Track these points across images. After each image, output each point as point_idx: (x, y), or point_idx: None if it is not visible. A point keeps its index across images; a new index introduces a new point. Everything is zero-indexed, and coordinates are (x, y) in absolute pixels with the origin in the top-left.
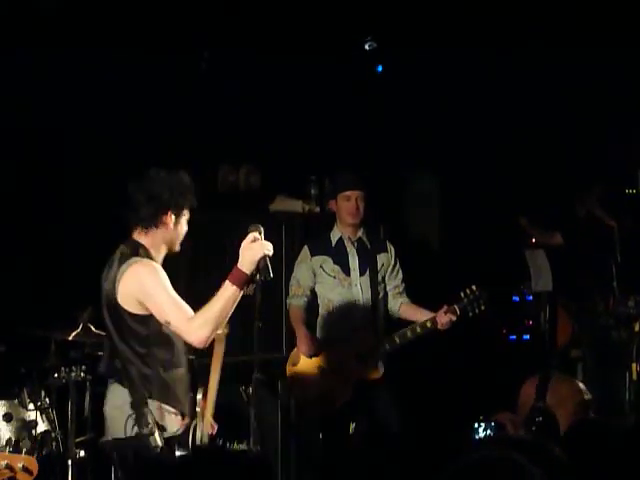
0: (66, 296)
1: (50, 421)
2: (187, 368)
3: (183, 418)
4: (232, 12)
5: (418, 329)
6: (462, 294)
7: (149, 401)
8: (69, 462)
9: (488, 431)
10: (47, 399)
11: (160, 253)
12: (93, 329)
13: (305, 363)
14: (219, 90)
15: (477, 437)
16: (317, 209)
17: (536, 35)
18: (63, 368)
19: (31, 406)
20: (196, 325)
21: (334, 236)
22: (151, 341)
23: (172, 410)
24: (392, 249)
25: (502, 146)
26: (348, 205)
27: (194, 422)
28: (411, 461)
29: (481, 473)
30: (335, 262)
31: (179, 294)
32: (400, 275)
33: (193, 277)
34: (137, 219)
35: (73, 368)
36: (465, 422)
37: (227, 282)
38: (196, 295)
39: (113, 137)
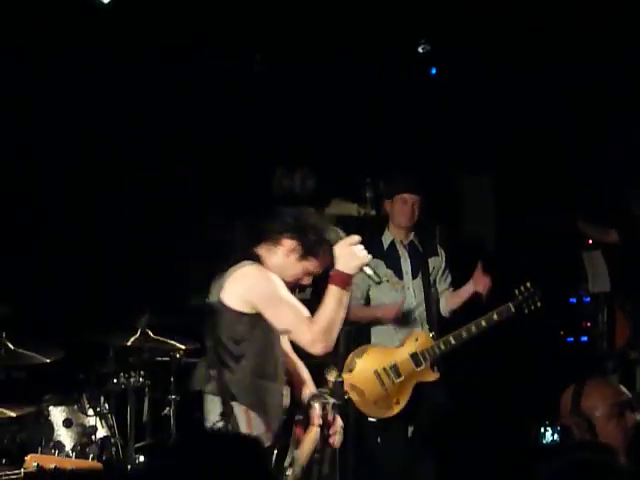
0: (124, 302)
1: (109, 427)
2: (282, 386)
3: (270, 430)
4: (286, 14)
5: (473, 328)
6: (516, 291)
7: (234, 404)
8: (129, 468)
9: (555, 435)
10: (106, 405)
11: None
12: (151, 334)
13: (361, 368)
14: (273, 93)
15: (545, 442)
16: (372, 212)
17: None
18: (122, 374)
19: (90, 412)
20: (318, 333)
21: (386, 239)
22: (248, 344)
23: (259, 418)
24: (443, 253)
25: (558, 146)
26: (405, 208)
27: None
28: (472, 466)
29: (576, 475)
30: (388, 266)
31: None
32: (449, 279)
33: None
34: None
35: (132, 374)
36: (529, 426)
37: (332, 286)
38: None
39: (167, 144)
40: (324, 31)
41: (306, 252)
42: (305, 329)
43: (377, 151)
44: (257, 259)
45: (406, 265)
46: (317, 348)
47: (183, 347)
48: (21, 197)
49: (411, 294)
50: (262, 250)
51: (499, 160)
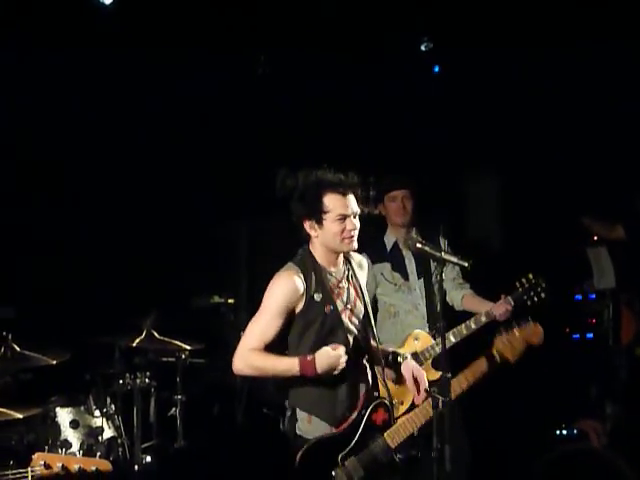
0: (130, 303)
1: (116, 427)
2: (352, 384)
3: (338, 426)
4: (289, 14)
5: (473, 324)
6: (517, 283)
7: (297, 410)
8: (135, 468)
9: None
10: (112, 405)
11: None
12: (157, 335)
13: None
14: (276, 93)
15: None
16: (376, 211)
17: (601, 31)
18: (128, 375)
19: (97, 413)
20: (245, 358)
21: (389, 241)
22: (292, 351)
23: (318, 420)
24: (445, 242)
25: (563, 143)
26: (394, 205)
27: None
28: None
29: (565, 466)
30: (394, 269)
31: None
32: (457, 267)
33: (251, 282)
34: None
35: (138, 374)
36: (538, 424)
37: (298, 366)
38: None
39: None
40: (327, 30)
41: (316, 214)
42: (241, 343)
43: (380, 150)
44: (304, 253)
45: (411, 265)
46: (234, 363)
47: (189, 348)
48: (24, 198)
49: (418, 295)
50: (309, 242)
51: (504, 157)
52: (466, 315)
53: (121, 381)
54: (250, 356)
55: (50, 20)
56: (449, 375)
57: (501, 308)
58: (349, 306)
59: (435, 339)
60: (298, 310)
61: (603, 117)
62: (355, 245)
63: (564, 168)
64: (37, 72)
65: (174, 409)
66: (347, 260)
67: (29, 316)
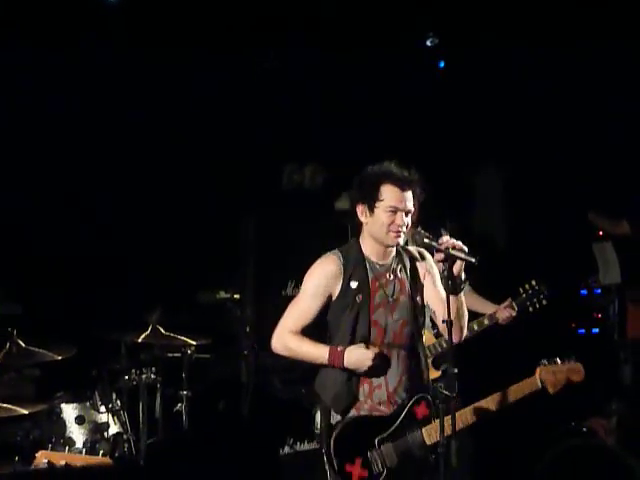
0: (136, 298)
1: (122, 423)
2: (377, 381)
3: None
4: (294, 10)
5: (476, 327)
6: (521, 289)
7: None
8: (141, 463)
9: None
10: (118, 401)
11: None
12: (162, 331)
13: None
14: (283, 88)
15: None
16: None
17: (602, 28)
18: (133, 370)
19: (103, 408)
20: (282, 338)
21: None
22: (330, 333)
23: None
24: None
25: (569, 138)
26: None
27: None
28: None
29: (572, 460)
30: None
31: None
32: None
33: (258, 278)
34: None
35: (143, 370)
36: (544, 420)
37: (328, 355)
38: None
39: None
40: (333, 26)
41: (370, 200)
42: (280, 323)
43: (387, 145)
44: (352, 242)
45: None
46: (273, 342)
47: (194, 343)
48: (28, 195)
49: None
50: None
51: (510, 152)
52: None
53: (127, 377)
54: (287, 337)
55: (45, 18)
56: (455, 370)
57: (505, 313)
58: (390, 300)
59: (437, 338)
60: (335, 295)
61: (610, 113)
62: (401, 241)
63: (570, 163)
64: (36, 70)
65: (180, 405)
66: (399, 254)
67: (35, 312)
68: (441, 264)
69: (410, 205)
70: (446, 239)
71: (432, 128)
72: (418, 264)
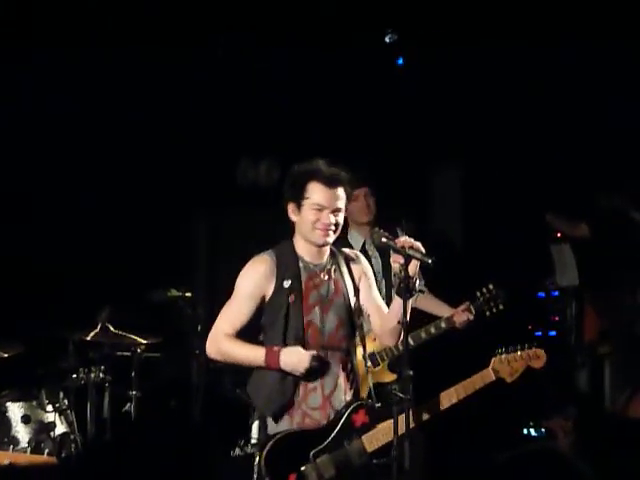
0: (84, 296)
1: (69, 423)
2: (312, 385)
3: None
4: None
5: (433, 330)
6: (478, 293)
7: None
8: (87, 463)
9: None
10: (65, 400)
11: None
12: (112, 329)
13: None
14: (237, 79)
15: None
16: None
17: (560, 28)
18: (82, 369)
19: (49, 408)
20: (216, 342)
21: (355, 241)
22: (264, 334)
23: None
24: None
25: (528, 137)
26: (357, 205)
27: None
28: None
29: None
30: None
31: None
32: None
33: (210, 275)
34: None
35: (92, 369)
36: (508, 426)
37: (264, 356)
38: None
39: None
40: (293, 19)
41: (296, 198)
42: (214, 327)
43: (342, 142)
44: (285, 242)
45: (377, 266)
46: (207, 346)
47: (144, 342)
48: None
49: (382, 296)
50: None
51: (467, 151)
52: (422, 314)
53: (75, 376)
54: (221, 341)
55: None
56: (410, 373)
57: (462, 316)
58: (325, 300)
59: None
60: (268, 295)
61: (570, 113)
62: (329, 240)
63: (529, 163)
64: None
65: (128, 405)
66: (334, 255)
67: None
68: (397, 265)
69: (339, 204)
70: (403, 239)
71: (390, 126)
72: (353, 265)
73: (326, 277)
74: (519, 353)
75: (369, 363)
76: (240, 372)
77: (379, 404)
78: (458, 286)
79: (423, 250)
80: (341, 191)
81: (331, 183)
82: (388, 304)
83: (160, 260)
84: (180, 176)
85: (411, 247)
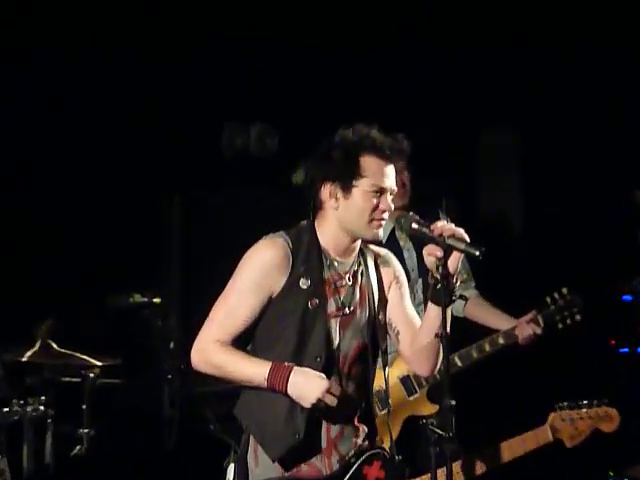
0: (20, 305)
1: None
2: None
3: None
4: None
5: (487, 347)
6: (548, 299)
7: (251, 442)
8: None
9: None
10: None
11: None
12: (55, 347)
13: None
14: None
15: None
16: None
17: None
18: (15, 400)
19: None
20: (205, 351)
21: (383, 228)
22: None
23: (266, 457)
24: (448, 220)
25: (605, 90)
26: None
27: None
28: None
29: None
30: None
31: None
32: (467, 264)
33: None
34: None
35: (29, 400)
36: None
37: (268, 373)
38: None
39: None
40: None
41: (346, 176)
42: (202, 331)
43: (366, 100)
44: (304, 226)
45: (411, 259)
46: (192, 356)
47: (99, 364)
48: None
49: (419, 297)
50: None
51: (524, 109)
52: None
53: (7, 409)
54: (211, 349)
55: None
56: (453, 403)
57: (528, 330)
58: (346, 311)
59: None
60: (276, 293)
61: None
62: (382, 234)
63: (610, 128)
64: None
65: (79, 447)
66: (362, 252)
67: None
68: (432, 259)
69: (394, 184)
70: (441, 224)
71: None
72: (384, 269)
73: (350, 281)
74: (585, 410)
75: (404, 392)
76: (228, 399)
77: (400, 457)
78: (515, 287)
79: (467, 238)
80: (394, 168)
81: (390, 157)
82: None
83: (120, 256)
84: (148, 146)
85: (452, 235)
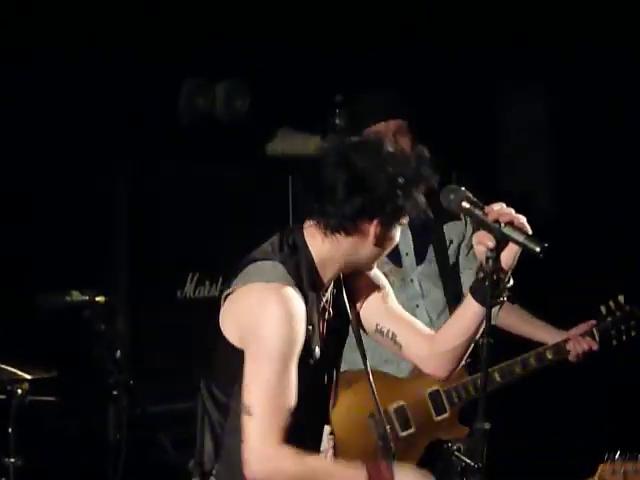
0: None
1: None
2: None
3: None
4: None
5: (534, 362)
6: (603, 309)
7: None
8: None
9: None
10: None
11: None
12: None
13: (346, 408)
14: None
15: None
16: None
17: None
18: None
19: None
20: (275, 459)
21: None
22: (236, 389)
23: None
24: None
25: (605, 90)
26: None
27: None
28: None
29: None
30: None
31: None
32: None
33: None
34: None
35: None
36: None
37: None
38: None
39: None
40: None
41: (392, 219)
42: (259, 432)
43: (355, 52)
44: (298, 252)
45: (406, 244)
46: (248, 465)
47: (28, 377)
48: None
49: (415, 289)
50: (309, 235)
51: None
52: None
53: None
54: (282, 456)
55: None
56: (487, 427)
57: (582, 345)
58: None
59: (467, 370)
60: None
61: None
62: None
63: (608, 126)
64: None
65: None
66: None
67: None
68: (482, 248)
69: None
70: (498, 207)
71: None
72: (354, 278)
73: (330, 307)
74: None
75: (431, 410)
76: (187, 420)
77: None
78: (545, 282)
79: (529, 229)
80: None
81: None
82: (446, 302)
83: (54, 245)
84: (90, 122)
85: (510, 222)
